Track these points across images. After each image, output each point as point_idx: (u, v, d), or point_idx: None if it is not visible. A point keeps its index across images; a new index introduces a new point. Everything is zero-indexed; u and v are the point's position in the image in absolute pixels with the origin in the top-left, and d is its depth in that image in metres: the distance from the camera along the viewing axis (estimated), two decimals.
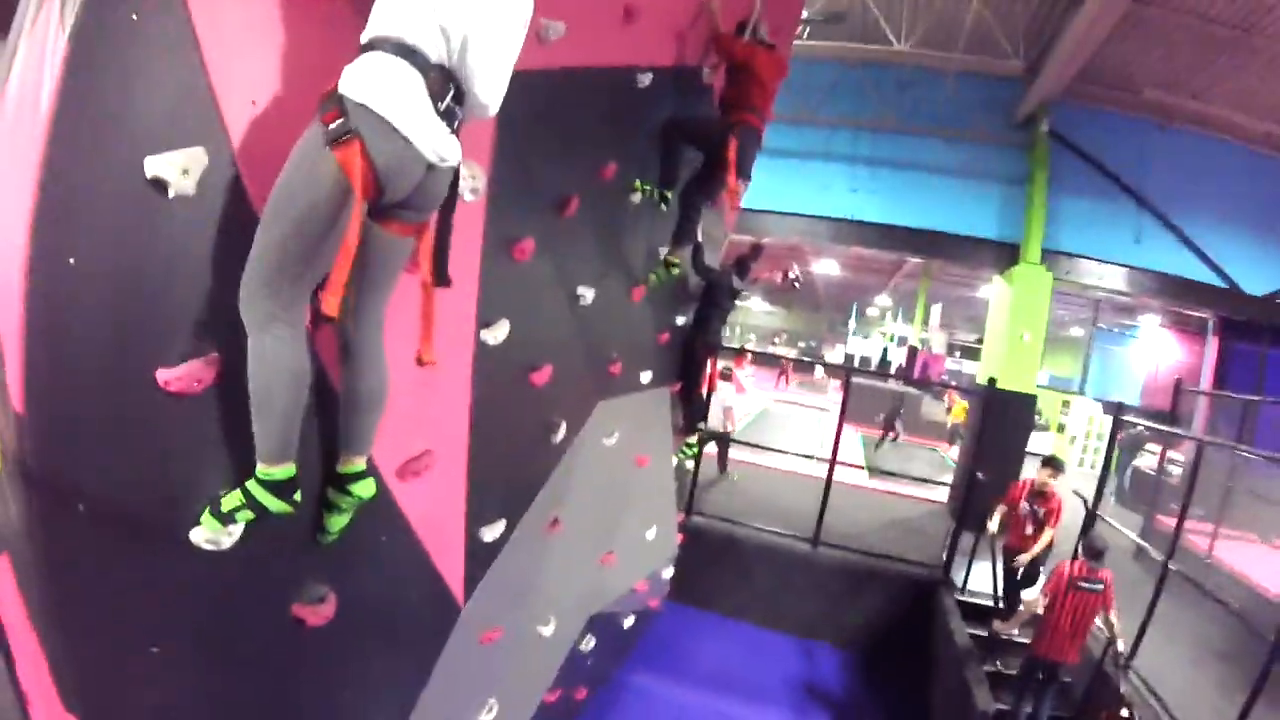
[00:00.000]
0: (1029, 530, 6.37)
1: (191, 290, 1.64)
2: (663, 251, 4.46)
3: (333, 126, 1.53)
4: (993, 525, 6.53)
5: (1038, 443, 11.16)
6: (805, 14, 9.10)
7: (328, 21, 1.77)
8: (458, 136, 1.77)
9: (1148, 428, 9.54)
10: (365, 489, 2.02)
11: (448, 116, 1.71)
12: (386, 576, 2.52)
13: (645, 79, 3.57)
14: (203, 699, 1.93)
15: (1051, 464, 6.46)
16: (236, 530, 1.76)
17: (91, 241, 1.51)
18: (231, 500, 1.72)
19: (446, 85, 1.68)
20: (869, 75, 10.55)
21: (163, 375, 1.59)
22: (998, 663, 6.31)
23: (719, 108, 4.13)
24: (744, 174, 3.96)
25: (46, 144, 1.47)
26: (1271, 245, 9.76)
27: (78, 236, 1.50)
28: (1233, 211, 9.70)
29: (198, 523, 1.70)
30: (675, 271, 4.46)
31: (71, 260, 1.49)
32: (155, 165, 1.51)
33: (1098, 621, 5.09)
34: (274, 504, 1.73)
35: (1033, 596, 5.56)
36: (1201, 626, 6.03)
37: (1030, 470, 6.82)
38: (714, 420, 9.93)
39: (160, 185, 1.52)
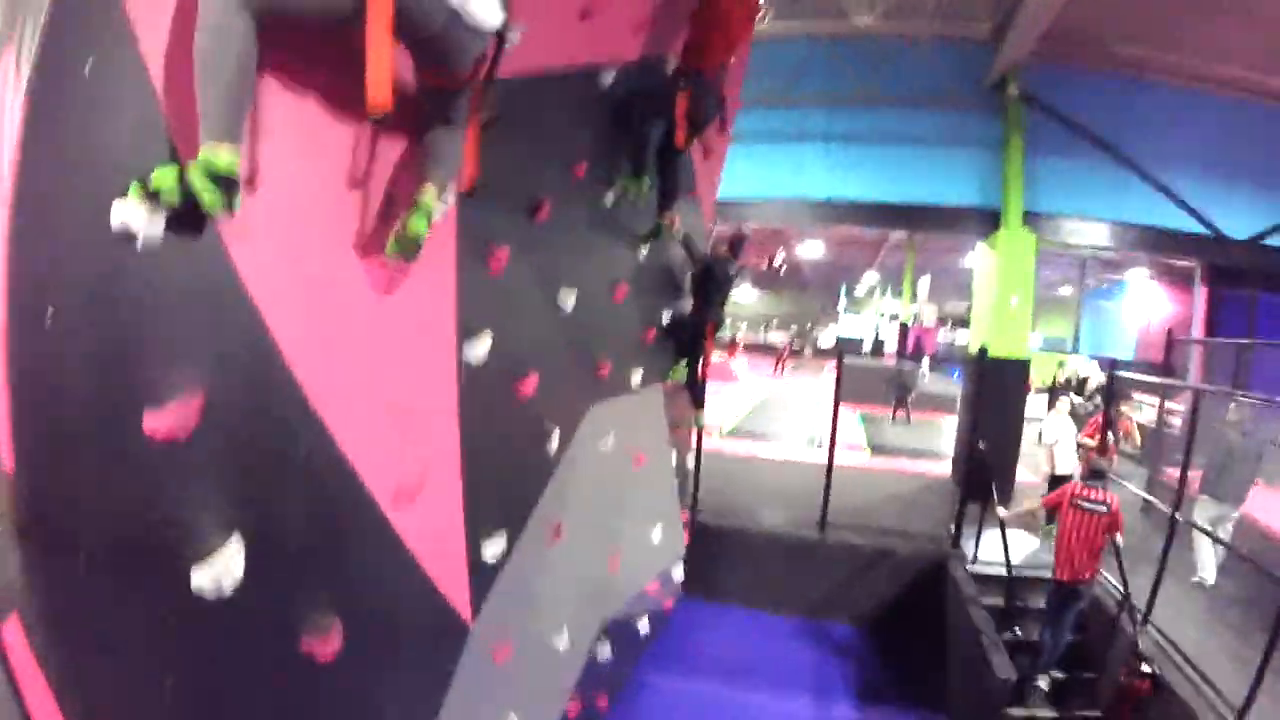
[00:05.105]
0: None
1: (169, 330, 1.64)
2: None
3: None
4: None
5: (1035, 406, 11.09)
6: None
7: (287, 57, 1.76)
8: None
9: (1141, 382, 9.56)
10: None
11: None
12: (390, 605, 2.51)
13: (608, 76, 3.55)
14: None
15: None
16: (236, 566, 1.73)
17: (67, 293, 1.52)
18: (165, 177, 1.54)
19: None
20: (838, 50, 10.47)
21: (149, 421, 1.59)
22: (1016, 630, 6.32)
23: (681, 54, 4.04)
24: (700, 126, 3.91)
25: (14, 199, 1.48)
26: (1252, 189, 9.77)
27: (53, 290, 1.50)
28: (1212, 159, 9.69)
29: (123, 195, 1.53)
30: (675, 234, 4.73)
31: (50, 314, 1.48)
32: (122, 211, 1.50)
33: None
34: (210, 197, 1.55)
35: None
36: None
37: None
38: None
39: (129, 229, 1.52)
